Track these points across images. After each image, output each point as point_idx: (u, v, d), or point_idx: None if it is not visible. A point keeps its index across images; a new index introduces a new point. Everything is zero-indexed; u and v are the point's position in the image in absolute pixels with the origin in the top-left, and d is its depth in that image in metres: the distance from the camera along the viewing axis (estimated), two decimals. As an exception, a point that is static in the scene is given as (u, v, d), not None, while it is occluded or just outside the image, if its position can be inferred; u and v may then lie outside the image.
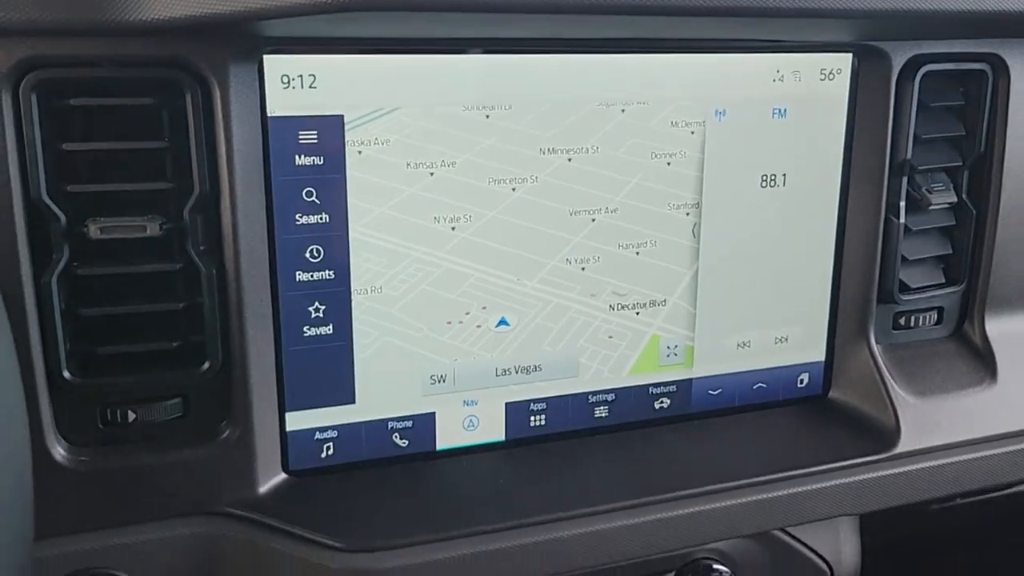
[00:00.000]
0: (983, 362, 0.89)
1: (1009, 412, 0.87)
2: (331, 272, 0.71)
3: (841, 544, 0.89)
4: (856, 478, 0.81)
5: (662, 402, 0.84)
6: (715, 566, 0.81)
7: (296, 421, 0.73)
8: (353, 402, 0.74)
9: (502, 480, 0.77)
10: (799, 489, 0.79)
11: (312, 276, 0.70)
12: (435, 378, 0.76)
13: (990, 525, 1.48)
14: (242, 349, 0.68)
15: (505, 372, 0.78)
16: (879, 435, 0.84)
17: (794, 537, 0.86)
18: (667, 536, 0.75)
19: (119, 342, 0.66)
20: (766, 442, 0.84)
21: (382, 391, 0.74)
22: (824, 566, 0.88)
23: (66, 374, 0.65)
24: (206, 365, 0.67)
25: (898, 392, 0.84)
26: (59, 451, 0.65)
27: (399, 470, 0.76)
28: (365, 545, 0.68)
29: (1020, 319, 0.91)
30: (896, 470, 0.82)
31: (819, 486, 0.79)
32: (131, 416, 0.67)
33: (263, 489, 0.71)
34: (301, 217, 0.69)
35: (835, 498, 0.80)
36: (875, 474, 0.81)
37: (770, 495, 0.78)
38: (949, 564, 1.66)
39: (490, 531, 0.71)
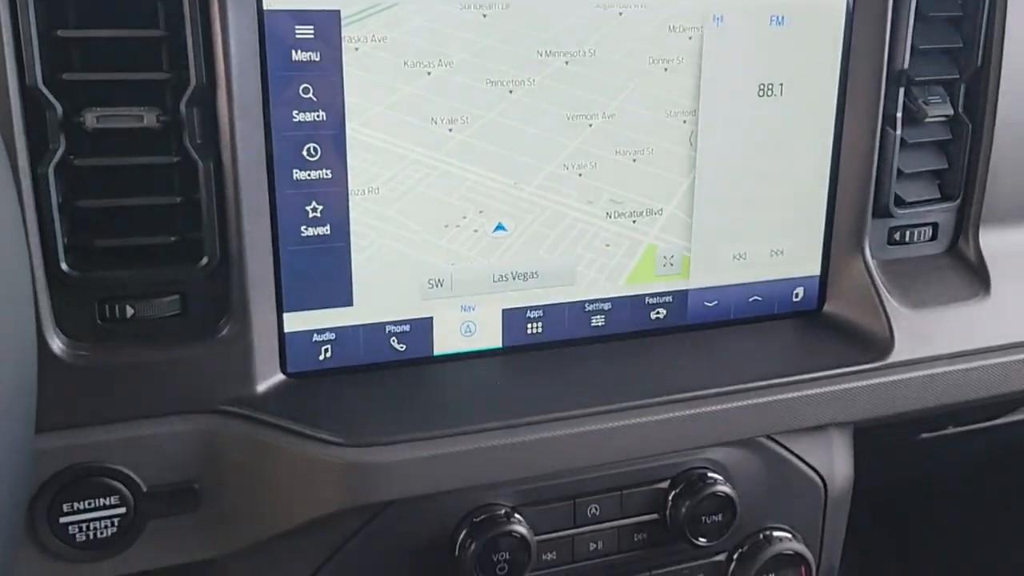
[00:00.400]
0: (977, 276, 0.90)
1: (1001, 325, 0.88)
2: (328, 171, 0.71)
3: (835, 459, 0.90)
4: (849, 386, 0.81)
5: (658, 312, 0.84)
6: (710, 475, 0.82)
7: (294, 322, 0.73)
8: (351, 304, 0.74)
9: (499, 384, 0.77)
10: (792, 395, 0.79)
11: (309, 175, 0.70)
12: (433, 282, 0.76)
13: (979, 462, 1.50)
14: (239, 246, 0.68)
15: (502, 278, 0.78)
16: (873, 345, 0.84)
17: (789, 450, 0.87)
18: (660, 439, 0.76)
19: (117, 235, 0.66)
20: (760, 353, 0.84)
21: (380, 294, 0.75)
22: (818, 480, 0.88)
23: (64, 267, 0.65)
24: (204, 261, 0.67)
25: (892, 304, 0.85)
26: (58, 344, 0.65)
27: (397, 374, 0.77)
28: (362, 441, 0.69)
29: (1014, 234, 0.91)
30: (889, 379, 0.83)
31: (812, 392, 0.80)
32: (129, 311, 0.67)
33: (261, 388, 0.71)
34: (298, 114, 0.69)
35: (828, 405, 0.81)
36: (868, 382, 0.82)
37: (763, 400, 0.78)
38: (939, 505, 1.68)
39: (485, 430, 0.71)
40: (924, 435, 1.21)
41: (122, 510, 0.68)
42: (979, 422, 1.22)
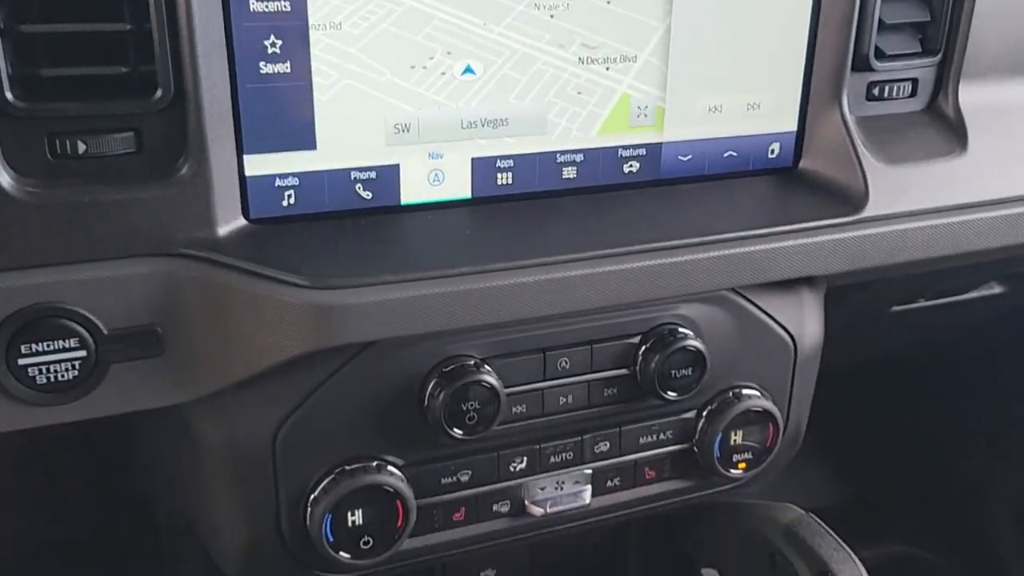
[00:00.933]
0: (954, 133, 0.89)
1: (977, 183, 0.87)
2: (287, 4, 0.67)
3: (805, 319, 0.90)
4: (821, 239, 0.81)
5: (631, 165, 0.82)
6: (680, 330, 0.82)
7: (255, 165, 0.71)
8: (314, 148, 0.72)
9: (468, 233, 0.76)
10: (764, 247, 0.79)
11: (267, 7, 0.67)
12: (399, 127, 0.74)
13: (948, 339, 1.52)
14: (195, 80, 0.65)
15: (471, 124, 0.76)
16: (847, 200, 0.83)
17: (760, 308, 0.86)
18: (630, 289, 0.75)
19: (65, 65, 0.63)
20: (734, 207, 0.83)
21: (344, 137, 0.72)
22: (788, 339, 0.88)
23: (9, 96, 0.62)
24: (158, 94, 0.64)
25: (868, 159, 0.84)
26: (6, 179, 0.63)
27: (363, 223, 0.75)
28: (328, 283, 0.67)
29: (993, 90, 0.90)
30: (862, 233, 0.82)
31: (784, 245, 0.79)
32: (81, 147, 0.64)
33: (223, 232, 0.69)
34: (253, -60, 0.65)
35: (800, 259, 0.80)
36: (841, 235, 0.81)
37: (734, 252, 0.78)
38: (907, 378, 1.71)
39: (454, 275, 0.70)
40: (895, 308, 1.22)
41: (82, 353, 0.66)
42: (950, 295, 1.23)
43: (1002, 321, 1.46)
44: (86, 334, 0.66)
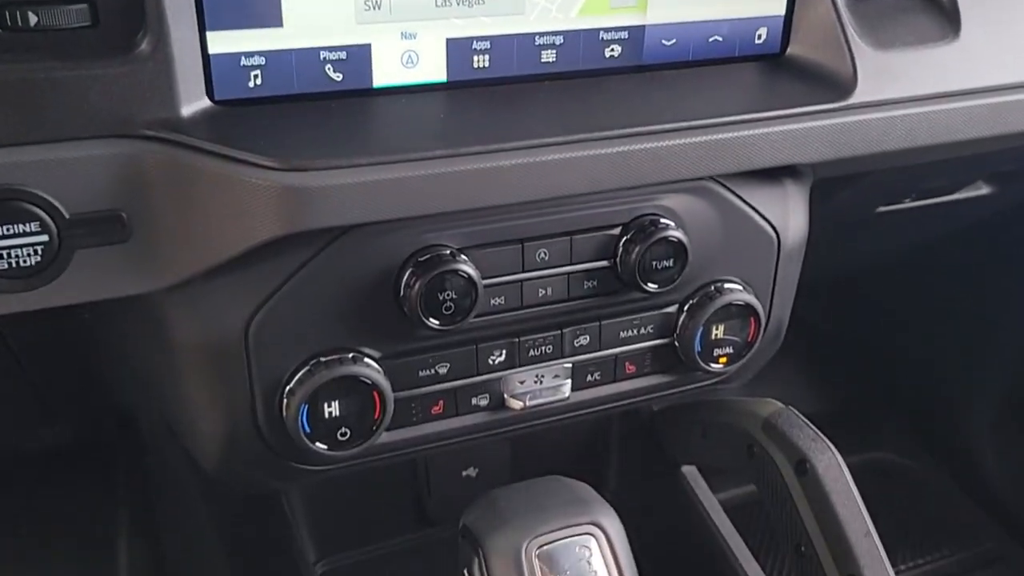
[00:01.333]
0: (947, 19, 0.86)
1: (969, 69, 0.85)
2: None
3: (789, 212, 0.88)
4: (807, 125, 0.78)
5: (613, 50, 0.80)
6: (662, 220, 0.80)
7: (219, 43, 0.68)
8: (280, 25, 0.69)
9: (443, 117, 0.73)
10: (747, 133, 0.76)
11: None
12: (369, 4, 0.70)
13: (934, 243, 1.51)
14: (151, -53, 0.62)
15: (445, 2, 0.73)
16: (835, 86, 0.81)
17: (744, 200, 0.85)
18: (609, 174, 0.73)
19: (11, -72, 0.60)
20: (717, 93, 0.81)
21: (312, 14, 0.69)
22: (772, 232, 0.87)
23: (-48, -39, 0.59)
24: (111, -39, 0.61)
25: (857, 43, 0.81)
26: (-45, 52, 0.60)
27: (334, 106, 0.72)
28: (298, 165, 0.65)
29: (989, -27, 0.87)
30: (849, 119, 0.80)
31: (768, 131, 0.77)
32: (33, 19, 0.61)
33: (186, 113, 0.67)
34: None
35: (785, 145, 0.78)
36: (828, 122, 0.79)
37: (717, 137, 0.75)
38: (891, 279, 1.71)
39: (429, 158, 0.68)
40: (881, 209, 1.21)
41: (44, 238, 0.64)
42: (937, 195, 1.21)
43: (987, 226, 1.46)
44: (47, 218, 0.64)
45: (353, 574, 1.04)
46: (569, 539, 0.60)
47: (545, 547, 0.60)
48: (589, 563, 0.60)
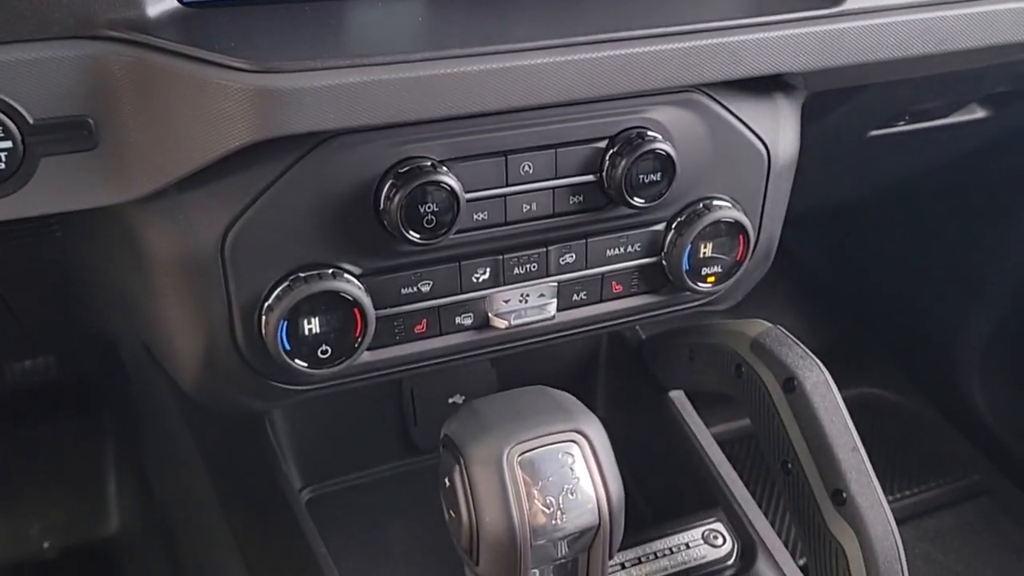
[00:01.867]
0: (943, -77, 0.83)
1: (965, -24, 0.83)
2: None
3: (780, 128, 0.86)
4: (799, 31, 0.76)
5: (598, -46, 0.77)
6: (649, 133, 0.78)
7: (186, -61, 0.65)
8: (250, -78, 0.66)
9: (421, 20, 0.71)
10: (737, 39, 0.74)
11: None
12: (343, -99, 0.68)
13: (925, 172, 1.50)
14: None
15: (423, -100, 0.70)
16: (828, -7, 0.79)
17: (733, 114, 0.83)
18: (592, 80, 0.71)
19: None
20: (707, 1, 0.79)
21: (283, -90, 0.67)
22: (762, 148, 0.85)
23: None
24: None
25: (850, -53, 0.79)
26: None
27: (307, 8, 0.70)
28: (272, 67, 0.62)
29: None
30: (841, 25, 0.78)
31: (758, 36, 0.75)
32: (-13, -90, 0.59)
33: (152, 13, 0.64)
34: None
35: (775, 51, 0.76)
36: (819, 28, 0.77)
37: (705, 43, 0.73)
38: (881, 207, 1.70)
39: (408, 60, 0.65)
40: (873, 133, 1.19)
41: (8, 144, 0.62)
42: (930, 119, 1.19)
43: (981, 157, 1.44)
44: (10, 123, 0.62)
45: (339, 501, 1.03)
46: (551, 446, 0.59)
47: (527, 454, 0.59)
48: (572, 469, 0.59)
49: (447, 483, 0.62)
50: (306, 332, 0.73)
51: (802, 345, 0.87)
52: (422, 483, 1.05)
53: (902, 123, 1.16)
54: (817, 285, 1.91)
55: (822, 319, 1.90)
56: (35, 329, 1.07)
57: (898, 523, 0.81)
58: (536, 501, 0.58)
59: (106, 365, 1.25)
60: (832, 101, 0.93)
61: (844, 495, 0.79)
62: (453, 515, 0.61)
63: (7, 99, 0.61)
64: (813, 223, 1.59)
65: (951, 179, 1.52)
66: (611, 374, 1.14)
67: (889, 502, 0.81)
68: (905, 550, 0.79)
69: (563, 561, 0.61)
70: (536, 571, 0.61)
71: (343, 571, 0.92)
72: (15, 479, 1.36)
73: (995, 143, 1.37)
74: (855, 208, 1.65)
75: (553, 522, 0.58)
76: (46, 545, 1.34)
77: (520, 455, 0.59)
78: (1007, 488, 1.68)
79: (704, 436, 1.00)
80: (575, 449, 0.60)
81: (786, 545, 0.94)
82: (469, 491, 0.59)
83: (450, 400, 1.06)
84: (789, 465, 0.83)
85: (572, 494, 0.59)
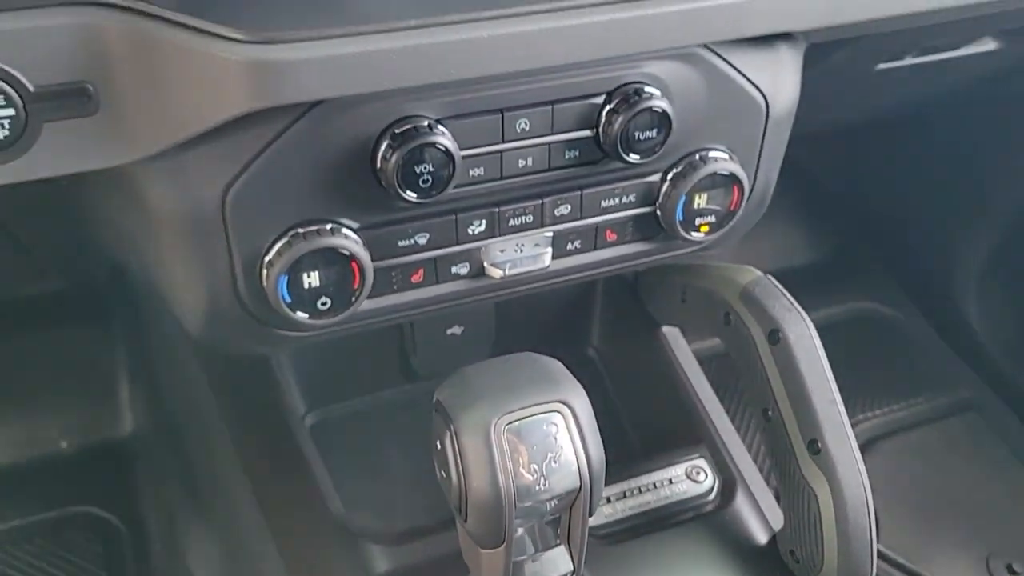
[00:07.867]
0: None
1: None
2: None
3: (779, 78, 0.86)
4: (801, -10, 0.75)
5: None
6: (647, 89, 0.78)
7: (178, -99, 0.64)
8: None
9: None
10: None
11: None
12: None
13: (930, 99, 1.48)
14: None
15: None
16: (833, -53, 0.77)
17: (733, 67, 0.82)
18: (592, 44, 0.71)
19: None
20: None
21: None
22: (760, 98, 0.85)
23: None
24: None
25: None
26: None
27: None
28: (267, 37, 0.63)
29: None
30: (847, -17, 0.77)
31: (760, -6, 0.74)
32: None
33: (146, -16, 0.64)
34: None
35: (778, 10, 0.75)
36: (824, -13, 0.76)
37: (709, 4, 0.73)
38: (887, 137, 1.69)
39: (405, 28, 0.65)
40: (881, 66, 1.17)
41: (10, 111, 0.63)
42: (940, 51, 1.17)
43: (986, 82, 1.42)
44: (11, 90, 0.62)
45: (341, 424, 1.08)
46: (537, 416, 0.63)
47: (514, 423, 0.62)
48: (555, 439, 0.62)
49: (439, 446, 0.66)
50: (306, 285, 0.75)
51: (789, 296, 0.89)
52: (421, 407, 1.10)
53: (911, 57, 1.14)
54: (823, 197, 1.91)
55: (820, 231, 1.91)
56: (43, 256, 1.09)
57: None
58: (521, 468, 0.61)
59: (113, 283, 1.28)
60: (835, 45, 0.91)
61: (819, 445, 0.83)
62: (444, 475, 0.65)
63: (7, 67, 0.62)
64: (822, 139, 1.59)
65: (959, 103, 1.50)
66: (606, 307, 1.17)
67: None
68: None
69: (546, 519, 0.66)
70: (520, 528, 0.65)
71: (343, 492, 0.98)
72: (30, 382, 1.40)
73: (1006, 71, 1.35)
74: (863, 128, 1.63)
75: (537, 487, 0.62)
76: (64, 444, 1.40)
77: (507, 424, 0.62)
78: (995, 404, 1.71)
79: (694, 373, 1.04)
80: (559, 419, 0.63)
81: (767, 482, 0.98)
82: (459, 457, 0.63)
83: (448, 331, 1.10)
84: (769, 413, 0.86)
85: (555, 462, 0.62)
